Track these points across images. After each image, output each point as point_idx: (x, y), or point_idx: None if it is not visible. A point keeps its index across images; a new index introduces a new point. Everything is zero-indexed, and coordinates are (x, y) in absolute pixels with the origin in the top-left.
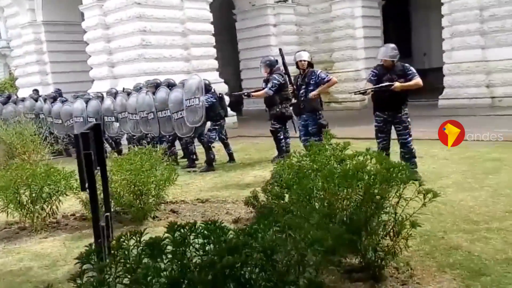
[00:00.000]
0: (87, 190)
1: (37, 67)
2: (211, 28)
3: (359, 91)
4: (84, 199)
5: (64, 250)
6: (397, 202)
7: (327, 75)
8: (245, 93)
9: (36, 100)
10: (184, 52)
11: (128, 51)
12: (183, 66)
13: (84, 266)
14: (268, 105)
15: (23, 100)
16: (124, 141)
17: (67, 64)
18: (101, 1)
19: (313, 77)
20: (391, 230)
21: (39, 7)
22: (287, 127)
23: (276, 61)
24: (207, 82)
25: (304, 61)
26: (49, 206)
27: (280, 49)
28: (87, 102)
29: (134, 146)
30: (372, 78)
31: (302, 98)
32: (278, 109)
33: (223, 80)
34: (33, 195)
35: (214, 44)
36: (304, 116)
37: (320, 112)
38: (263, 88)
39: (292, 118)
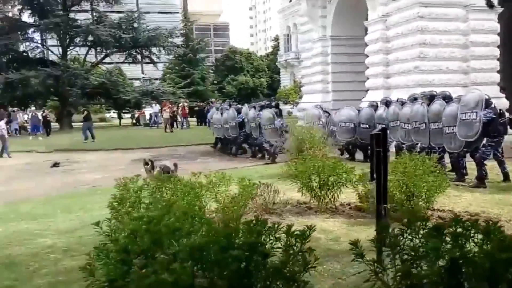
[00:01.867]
0: (374, 181)
1: (320, 76)
2: (496, 39)
3: None
4: (360, 192)
5: (344, 230)
6: None
7: None
8: None
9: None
10: (463, 64)
11: (404, 63)
12: (460, 79)
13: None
14: None
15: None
16: (392, 148)
17: (346, 74)
18: (384, 17)
19: None
20: None
21: (330, 24)
22: None
23: None
24: (487, 97)
25: None
26: (332, 194)
27: None
28: (359, 110)
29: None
30: None
31: None
32: None
33: (504, 95)
34: (321, 182)
35: (498, 56)
36: None
37: None
38: None
39: None
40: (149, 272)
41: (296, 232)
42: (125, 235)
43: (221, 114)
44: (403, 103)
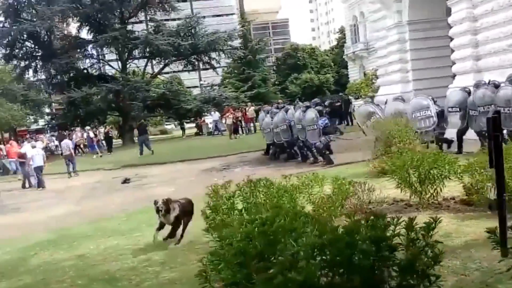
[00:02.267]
0: (493, 167)
1: (398, 65)
2: None
3: None
4: (467, 184)
5: (454, 226)
6: None
7: None
8: None
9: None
10: None
11: (497, 42)
12: None
13: None
14: None
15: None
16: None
17: (427, 60)
18: None
19: None
20: None
21: (406, 8)
22: None
23: None
24: None
25: None
26: (434, 188)
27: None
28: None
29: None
30: None
31: None
32: None
33: None
34: (422, 176)
35: None
36: None
37: None
38: None
39: None
40: (273, 273)
41: (417, 226)
42: (240, 238)
43: (271, 117)
44: (497, 86)
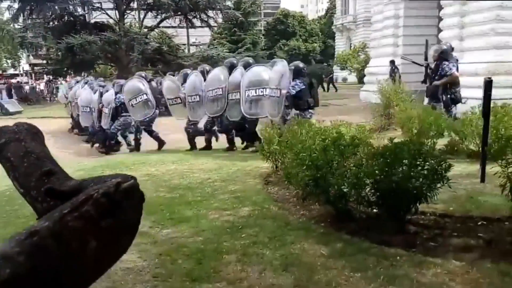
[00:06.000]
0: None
1: (391, 39)
2: None
3: None
4: (453, 137)
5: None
6: None
7: (450, 69)
8: None
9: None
10: None
11: (481, 26)
12: None
13: None
14: None
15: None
16: None
17: (417, 37)
18: None
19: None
20: None
21: None
22: None
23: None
24: None
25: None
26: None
27: (426, 40)
28: None
29: None
30: None
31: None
32: None
33: None
34: (420, 129)
35: None
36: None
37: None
38: None
39: None
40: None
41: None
42: (318, 149)
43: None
44: None
